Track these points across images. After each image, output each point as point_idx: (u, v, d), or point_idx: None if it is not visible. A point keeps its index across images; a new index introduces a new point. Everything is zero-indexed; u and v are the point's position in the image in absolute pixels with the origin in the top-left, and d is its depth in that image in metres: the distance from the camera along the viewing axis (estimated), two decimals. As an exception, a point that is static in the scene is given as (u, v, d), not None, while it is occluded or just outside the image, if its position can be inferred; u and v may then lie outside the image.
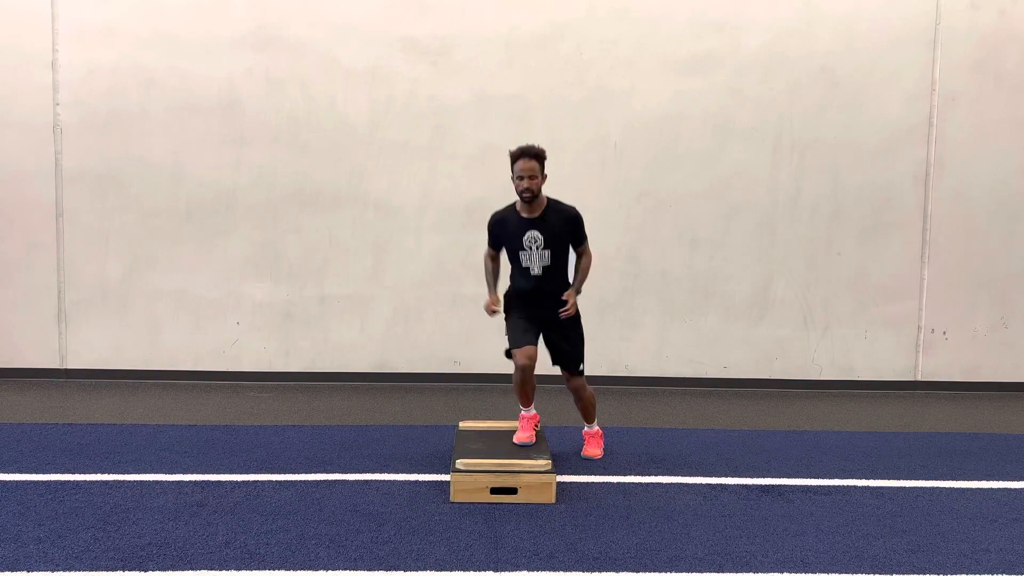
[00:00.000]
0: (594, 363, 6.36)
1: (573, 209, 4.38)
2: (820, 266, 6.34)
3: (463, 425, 4.67)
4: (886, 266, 6.36)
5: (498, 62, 6.16)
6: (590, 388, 4.57)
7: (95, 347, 6.28)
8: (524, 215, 4.30)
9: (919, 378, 6.44)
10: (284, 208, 6.21)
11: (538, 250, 4.29)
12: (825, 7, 6.19)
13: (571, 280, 4.47)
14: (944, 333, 6.42)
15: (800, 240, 6.33)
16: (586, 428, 4.67)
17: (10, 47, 6.07)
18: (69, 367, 6.29)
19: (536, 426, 4.49)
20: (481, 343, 6.20)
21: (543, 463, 4.01)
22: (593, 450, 4.61)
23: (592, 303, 6.32)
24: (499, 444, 4.31)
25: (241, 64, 6.11)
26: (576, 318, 4.46)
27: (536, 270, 4.32)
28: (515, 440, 4.38)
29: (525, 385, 4.37)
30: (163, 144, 6.14)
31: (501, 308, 4.39)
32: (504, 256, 4.48)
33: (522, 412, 4.50)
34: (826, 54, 6.21)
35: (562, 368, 4.51)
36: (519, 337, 4.32)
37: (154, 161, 6.16)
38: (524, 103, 6.16)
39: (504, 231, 4.35)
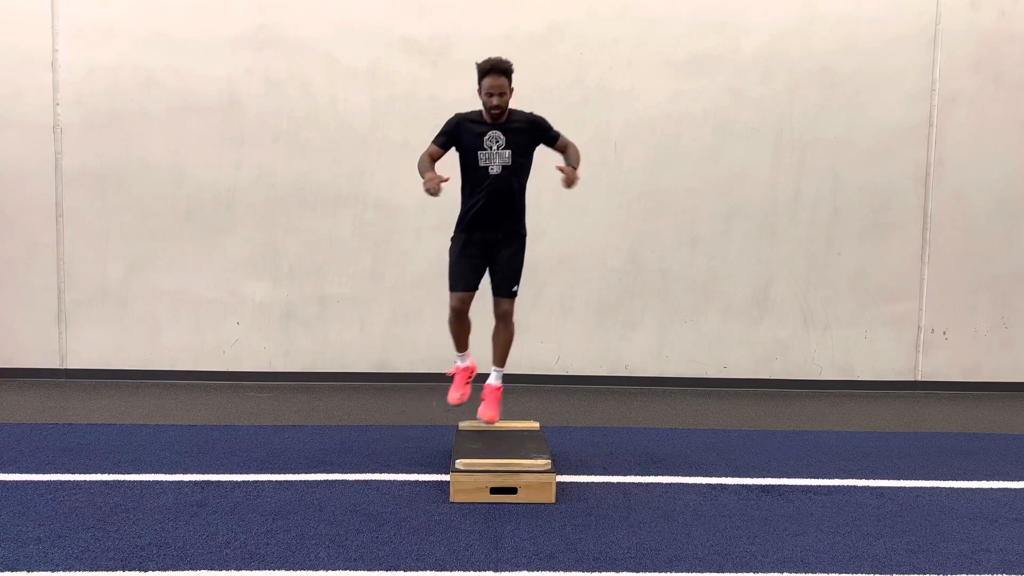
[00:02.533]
0: (594, 363, 6.41)
1: (533, 114, 4.39)
2: (820, 266, 6.34)
3: (463, 425, 4.66)
4: (886, 266, 6.36)
5: (498, 62, 6.15)
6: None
7: (95, 347, 6.28)
8: (488, 120, 4.31)
9: (919, 378, 6.44)
10: (284, 208, 6.21)
11: (499, 149, 4.27)
12: (825, 7, 6.19)
13: (524, 209, 4.43)
14: (944, 333, 6.42)
15: (800, 240, 6.33)
16: (491, 379, 4.52)
17: (10, 47, 6.07)
18: (69, 367, 6.29)
19: (470, 378, 4.48)
20: (481, 343, 6.18)
21: (543, 463, 4.01)
22: (491, 411, 4.44)
23: (592, 303, 6.33)
24: (499, 444, 4.30)
25: (241, 64, 6.11)
26: (520, 240, 4.43)
27: (495, 169, 4.28)
28: (448, 399, 4.45)
29: (461, 323, 4.44)
30: (163, 144, 6.14)
31: (442, 182, 4.15)
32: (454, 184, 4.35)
33: (456, 363, 4.54)
34: (826, 54, 6.20)
35: (496, 293, 4.45)
36: (458, 280, 4.37)
37: (154, 161, 6.16)
38: (524, 103, 6.13)
39: (465, 130, 4.31)
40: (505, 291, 4.43)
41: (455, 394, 4.51)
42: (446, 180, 4.19)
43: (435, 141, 4.39)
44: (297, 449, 4.67)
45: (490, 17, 6.12)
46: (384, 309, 6.31)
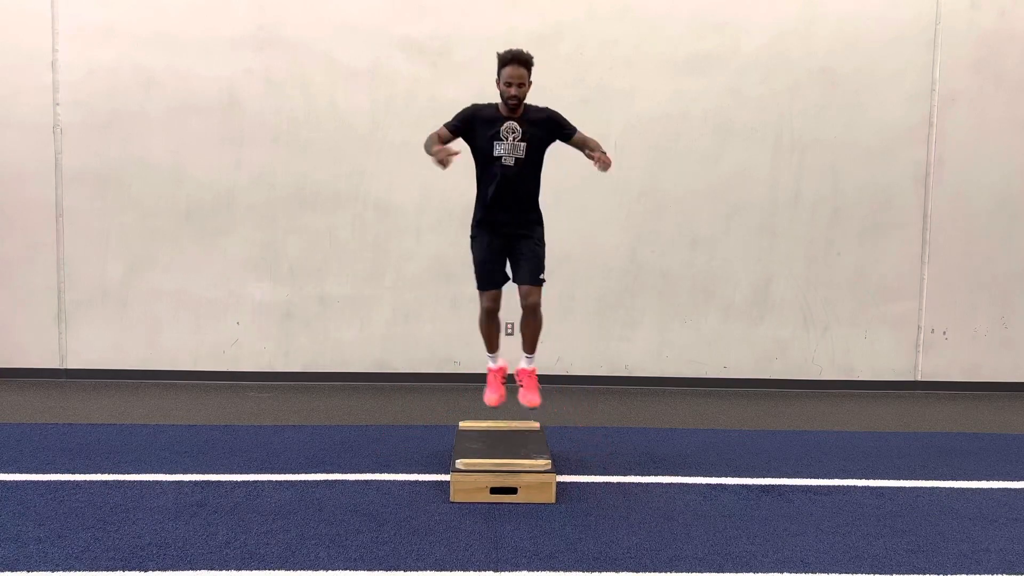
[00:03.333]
0: (594, 363, 6.41)
1: (548, 108, 4.37)
2: (820, 266, 6.34)
3: (463, 425, 4.66)
4: (886, 266, 6.36)
5: (498, 62, 6.15)
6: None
7: (95, 347, 6.28)
8: (504, 113, 4.29)
9: (919, 378, 6.44)
10: (284, 208, 6.21)
11: (515, 141, 4.24)
12: (825, 7, 6.19)
13: (538, 199, 4.38)
14: (944, 333, 6.42)
15: (800, 240, 6.33)
16: (523, 364, 4.51)
17: (10, 47, 6.07)
18: (69, 367, 6.29)
19: (504, 379, 4.44)
20: (481, 343, 6.18)
21: (543, 463, 4.01)
22: (532, 396, 4.44)
23: (592, 303, 6.34)
24: (499, 444, 4.30)
25: (241, 64, 6.11)
26: (538, 228, 4.38)
27: (509, 160, 4.24)
28: (485, 400, 4.38)
29: (491, 325, 4.40)
30: (163, 144, 6.14)
31: (451, 155, 4.04)
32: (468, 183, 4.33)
33: (488, 365, 4.51)
34: (826, 54, 6.20)
35: (522, 282, 4.34)
36: (485, 278, 4.34)
37: (154, 161, 6.16)
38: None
39: (480, 120, 4.26)
40: (531, 278, 4.30)
41: (492, 395, 4.43)
42: (456, 153, 4.07)
43: (446, 124, 4.31)
44: (297, 449, 4.67)
45: (490, 17, 6.12)
46: (384, 309, 6.31)
